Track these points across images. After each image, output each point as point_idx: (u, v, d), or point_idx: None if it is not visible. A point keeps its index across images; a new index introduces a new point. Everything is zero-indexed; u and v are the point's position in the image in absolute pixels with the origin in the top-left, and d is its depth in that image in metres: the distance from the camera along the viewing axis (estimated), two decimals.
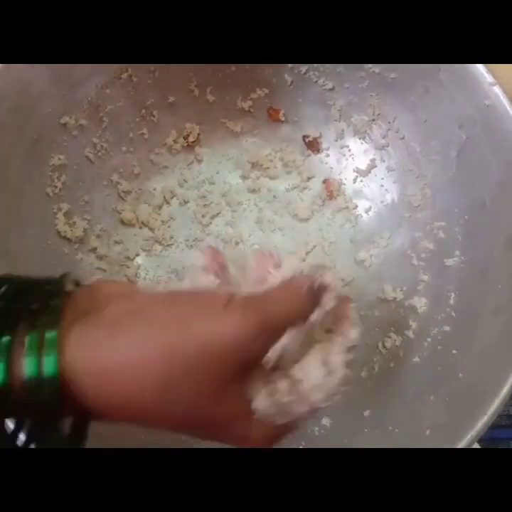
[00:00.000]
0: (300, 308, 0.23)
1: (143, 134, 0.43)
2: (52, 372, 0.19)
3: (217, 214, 0.44)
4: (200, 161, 0.45)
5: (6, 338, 0.19)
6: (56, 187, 0.39)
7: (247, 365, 0.22)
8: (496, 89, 0.36)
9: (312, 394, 0.23)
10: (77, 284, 0.23)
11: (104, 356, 0.20)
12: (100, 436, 0.32)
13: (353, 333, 0.25)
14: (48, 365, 0.19)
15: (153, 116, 0.43)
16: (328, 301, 0.24)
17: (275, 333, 0.22)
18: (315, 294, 0.24)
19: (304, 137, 0.45)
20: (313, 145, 0.45)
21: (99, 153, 0.41)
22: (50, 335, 0.19)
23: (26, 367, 0.19)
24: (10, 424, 0.20)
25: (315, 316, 0.23)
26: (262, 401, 0.22)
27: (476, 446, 0.39)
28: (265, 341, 0.22)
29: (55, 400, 0.19)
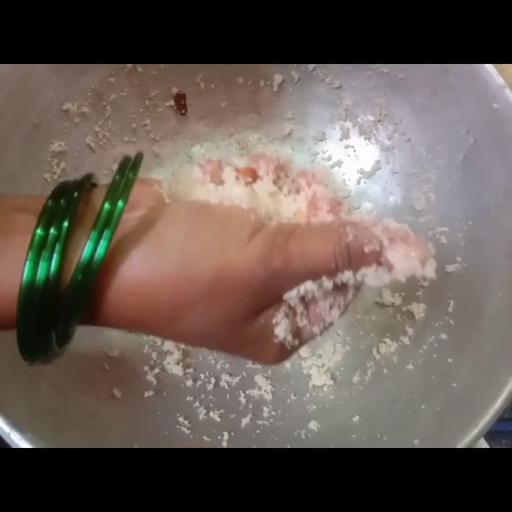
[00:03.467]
0: (331, 261, 0.20)
1: (146, 124, 0.43)
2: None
3: None
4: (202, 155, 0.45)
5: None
6: (55, 173, 0.38)
7: (265, 298, 0.21)
8: (506, 92, 0.35)
9: (326, 314, 0.22)
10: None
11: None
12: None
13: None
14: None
15: (158, 108, 0.43)
16: (371, 276, 0.20)
17: (295, 280, 0.20)
18: (358, 256, 0.20)
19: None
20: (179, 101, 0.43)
21: (101, 142, 0.41)
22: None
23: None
24: None
25: (346, 276, 0.20)
26: (283, 328, 0.21)
27: (482, 440, 0.38)
28: (285, 283, 0.20)
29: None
